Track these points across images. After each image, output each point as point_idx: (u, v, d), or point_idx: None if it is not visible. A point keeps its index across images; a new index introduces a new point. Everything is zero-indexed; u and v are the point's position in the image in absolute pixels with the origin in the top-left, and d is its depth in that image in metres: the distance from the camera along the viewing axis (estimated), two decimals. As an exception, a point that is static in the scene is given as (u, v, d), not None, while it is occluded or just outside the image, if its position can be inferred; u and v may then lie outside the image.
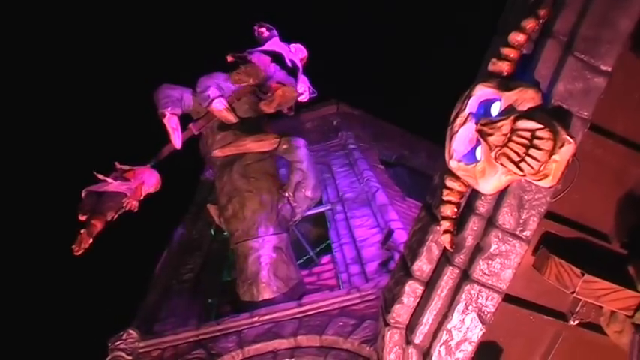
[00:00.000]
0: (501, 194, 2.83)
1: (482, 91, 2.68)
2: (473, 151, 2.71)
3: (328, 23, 17.67)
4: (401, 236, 5.17)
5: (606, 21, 2.66)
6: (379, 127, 10.68)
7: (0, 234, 14.46)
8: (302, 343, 4.41)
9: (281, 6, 15.25)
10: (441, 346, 3.07)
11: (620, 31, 2.68)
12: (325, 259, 6.16)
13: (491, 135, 2.50)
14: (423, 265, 3.25)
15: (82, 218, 5.04)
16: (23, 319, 14.47)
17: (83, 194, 5.21)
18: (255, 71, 6.03)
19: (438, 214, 2.96)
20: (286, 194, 5.62)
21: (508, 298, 3.07)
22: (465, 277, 3.03)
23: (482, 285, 2.97)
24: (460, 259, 3.04)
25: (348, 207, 6.71)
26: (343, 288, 5.04)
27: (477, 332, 3.03)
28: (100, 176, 5.29)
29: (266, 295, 5.11)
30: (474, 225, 2.97)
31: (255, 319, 4.71)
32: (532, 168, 2.43)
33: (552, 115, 2.50)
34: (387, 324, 3.38)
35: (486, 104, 2.67)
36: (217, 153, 5.81)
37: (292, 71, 6.39)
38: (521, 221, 2.86)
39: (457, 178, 2.79)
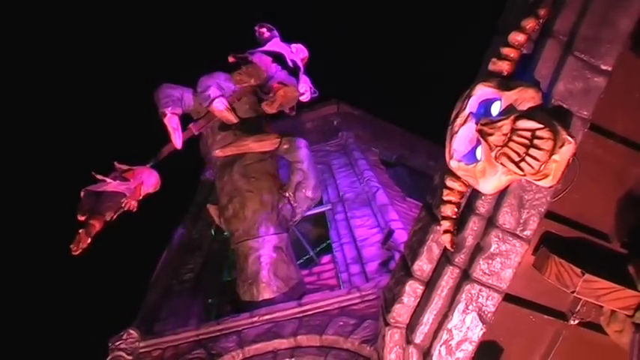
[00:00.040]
0: (501, 194, 2.83)
1: (482, 91, 2.68)
2: (473, 150, 2.71)
3: (329, 23, 17.69)
4: (401, 236, 5.17)
5: (606, 20, 2.66)
6: (379, 127, 10.67)
7: None
8: (302, 343, 4.40)
9: (281, 6, 15.27)
10: (441, 345, 3.07)
11: (620, 31, 2.68)
12: (325, 258, 6.17)
13: (491, 135, 2.50)
14: (423, 265, 3.25)
15: (81, 218, 5.04)
16: (23, 320, 14.49)
17: (82, 194, 5.21)
18: (256, 72, 6.05)
19: (439, 213, 2.96)
20: (287, 194, 5.62)
21: (508, 298, 3.07)
22: (465, 276, 3.03)
23: (483, 285, 2.97)
24: (460, 258, 3.04)
25: (348, 207, 6.72)
26: (343, 288, 5.04)
27: (477, 332, 3.03)
28: (99, 176, 5.29)
29: (266, 295, 5.11)
30: (474, 225, 2.97)
31: (256, 319, 4.71)
32: (532, 168, 2.43)
33: (552, 115, 2.50)
34: (387, 324, 3.38)
35: (486, 104, 2.67)
36: (218, 153, 5.82)
37: (293, 71, 6.39)
38: (521, 221, 2.86)
39: (457, 177, 2.79)
